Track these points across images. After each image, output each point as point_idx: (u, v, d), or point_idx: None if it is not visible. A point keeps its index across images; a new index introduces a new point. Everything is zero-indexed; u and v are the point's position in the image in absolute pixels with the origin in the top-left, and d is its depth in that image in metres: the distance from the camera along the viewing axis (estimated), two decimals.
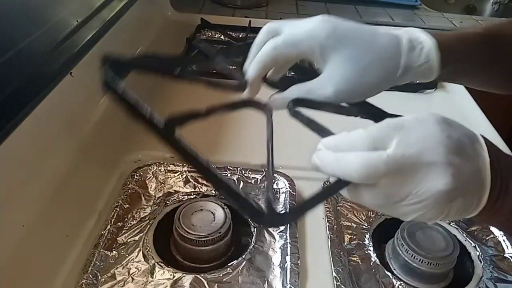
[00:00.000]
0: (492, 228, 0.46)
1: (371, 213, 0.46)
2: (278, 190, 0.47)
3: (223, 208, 0.42)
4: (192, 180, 0.49)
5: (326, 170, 0.27)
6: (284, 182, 0.48)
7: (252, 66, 0.35)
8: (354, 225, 0.45)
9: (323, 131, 0.30)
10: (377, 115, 0.34)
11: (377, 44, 0.33)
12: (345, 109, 0.34)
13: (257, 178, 0.49)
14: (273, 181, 0.48)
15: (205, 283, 0.37)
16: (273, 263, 0.40)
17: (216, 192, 0.48)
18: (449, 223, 0.46)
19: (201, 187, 0.48)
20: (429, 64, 0.33)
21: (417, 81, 0.35)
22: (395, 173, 0.25)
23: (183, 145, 0.25)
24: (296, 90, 0.34)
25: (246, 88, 0.35)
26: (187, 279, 0.37)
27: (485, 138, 0.27)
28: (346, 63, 0.32)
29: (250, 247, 0.41)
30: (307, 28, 0.33)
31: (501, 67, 0.40)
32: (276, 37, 0.34)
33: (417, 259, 0.38)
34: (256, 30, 0.96)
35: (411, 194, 0.25)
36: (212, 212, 0.42)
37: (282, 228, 0.43)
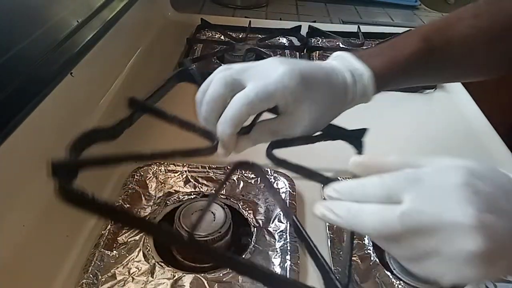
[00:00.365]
0: None
1: None
2: (278, 190, 0.47)
3: (223, 208, 0.42)
4: (192, 180, 0.49)
5: (344, 224, 0.25)
6: (284, 182, 0.48)
7: (224, 125, 0.33)
8: None
9: (314, 175, 0.32)
10: (340, 134, 0.39)
11: (332, 84, 0.36)
12: (315, 138, 0.37)
13: (257, 178, 0.49)
14: (274, 183, 0.48)
15: (205, 282, 0.37)
16: (273, 263, 0.40)
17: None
18: None
19: (201, 187, 0.48)
20: (367, 93, 0.38)
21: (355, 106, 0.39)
22: (414, 230, 0.23)
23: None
24: (263, 132, 0.35)
25: (218, 149, 0.34)
26: (187, 278, 0.38)
27: None
28: (312, 106, 0.34)
29: (250, 246, 0.42)
30: (276, 77, 0.33)
31: (436, 78, 0.45)
32: (246, 91, 0.32)
33: None
34: (256, 30, 0.97)
35: (438, 253, 0.23)
36: (212, 212, 0.42)
37: (282, 227, 0.43)
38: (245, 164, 0.33)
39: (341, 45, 0.86)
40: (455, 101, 0.69)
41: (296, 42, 0.86)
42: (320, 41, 0.88)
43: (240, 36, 0.84)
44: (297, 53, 0.81)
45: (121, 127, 0.34)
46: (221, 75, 0.33)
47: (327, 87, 0.35)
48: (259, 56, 0.78)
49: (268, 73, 0.33)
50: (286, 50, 0.83)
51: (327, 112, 0.36)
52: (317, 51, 0.83)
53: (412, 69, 0.40)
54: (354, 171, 0.29)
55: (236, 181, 0.49)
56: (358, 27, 0.89)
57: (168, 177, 0.49)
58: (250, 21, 0.89)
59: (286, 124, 0.35)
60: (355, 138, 0.39)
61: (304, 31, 0.88)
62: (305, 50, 0.82)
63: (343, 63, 0.38)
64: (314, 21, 0.96)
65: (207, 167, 0.50)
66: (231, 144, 0.34)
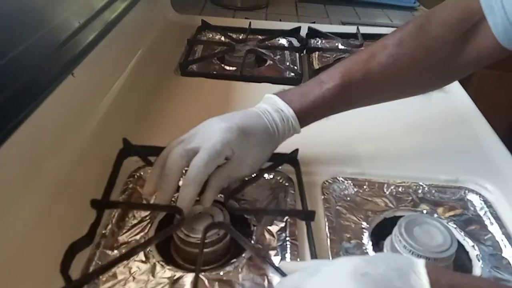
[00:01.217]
0: (490, 228, 0.46)
1: (370, 213, 0.47)
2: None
3: (222, 210, 0.43)
4: None
5: None
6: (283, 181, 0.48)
7: (189, 187, 0.40)
8: (353, 225, 0.45)
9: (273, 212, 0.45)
10: (281, 160, 0.49)
11: (266, 127, 0.44)
12: (262, 172, 0.47)
13: (257, 178, 0.49)
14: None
15: (206, 281, 0.38)
16: (273, 261, 0.40)
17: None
18: (447, 222, 0.47)
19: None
20: (295, 127, 0.46)
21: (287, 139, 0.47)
22: None
23: None
24: (220, 177, 0.42)
25: (182, 207, 0.40)
26: (188, 277, 0.38)
27: (432, 265, 0.27)
28: (253, 148, 0.43)
29: (250, 243, 0.42)
30: (220, 137, 0.41)
31: (359, 105, 0.50)
32: (200, 155, 0.40)
33: (415, 254, 0.39)
34: (256, 31, 0.97)
35: None
36: (210, 215, 0.42)
37: (282, 226, 0.43)
38: (214, 225, 0.40)
39: (340, 46, 0.86)
40: (453, 101, 0.70)
41: (295, 43, 0.87)
42: (319, 42, 0.89)
43: (240, 37, 0.84)
44: (297, 53, 0.81)
45: (93, 232, 0.40)
46: (175, 150, 0.41)
47: (262, 130, 0.44)
48: (259, 57, 0.78)
49: (213, 135, 0.41)
50: (285, 51, 0.83)
51: (266, 149, 0.45)
52: (317, 52, 0.83)
53: (330, 104, 0.47)
54: (283, 271, 0.36)
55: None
56: (357, 28, 0.89)
57: None
58: (250, 22, 0.89)
59: (236, 167, 0.42)
60: (291, 159, 0.49)
61: (303, 32, 0.88)
62: (304, 51, 0.82)
63: (271, 105, 0.46)
64: (314, 22, 0.97)
65: None
66: (192, 202, 0.40)
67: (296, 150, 0.49)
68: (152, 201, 0.44)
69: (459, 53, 0.46)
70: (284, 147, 0.50)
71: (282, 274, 0.36)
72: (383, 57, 0.47)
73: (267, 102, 0.47)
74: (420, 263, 0.26)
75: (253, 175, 0.46)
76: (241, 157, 0.42)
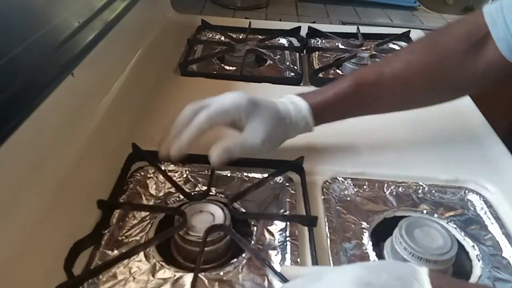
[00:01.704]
0: (490, 228, 0.46)
1: (370, 213, 0.47)
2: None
3: (222, 209, 0.43)
4: (192, 180, 0.49)
5: None
6: (283, 181, 0.48)
7: (188, 130, 0.43)
8: (353, 225, 0.45)
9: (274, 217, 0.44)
10: (286, 166, 0.49)
11: (277, 109, 0.47)
12: (266, 179, 0.47)
13: (258, 179, 0.49)
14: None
15: (206, 281, 0.38)
16: (273, 262, 0.40)
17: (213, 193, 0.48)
18: (447, 223, 0.47)
19: (201, 187, 0.49)
20: (308, 123, 0.48)
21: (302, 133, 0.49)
22: None
23: None
24: (234, 141, 0.44)
25: (173, 148, 0.43)
26: (188, 277, 0.38)
27: (435, 273, 0.27)
28: (264, 121, 0.45)
29: (250, 245, 0.42)
30: (229, 99, 0.44)
31: (371, 109, 0.52)
32: (208, 109, 0.43)
33: (415, 256, 0.39)
34: (256, 31, 0.98)
35: None
36: (211, 214, 0.42)
37: (282, 226, 0.43)
38: (215, 227, 0.40)
39: (340, 46, 0.86)
40: (453, 101, 0.70)
41: (296, 42, 0.87)
42: (319, 41, 0.89)
43: (240, 37, 0.84)
44: (297, 53, 0.81)
45: (98, 231, 0.41)
46: (188, 106, 0.45)
47: (272, 108, 0.46)
48: (259, 57, 0.78)
49: (223, 97, 0.45)
50: (285, 51, 0.83)
51: (277, 129, 0.46)
52: (317, 52, 0.83)
53: (343, 103, 0.49)
54: (285, 275, 0.36)
55: (236, 181, 0.49)
56: (358, 28, 0.89)
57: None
58: (250, 22, 0.89)
59: (247, 136, 0.45)
60: (297, 166, 0.49)
61: (303, 32, 0.88)
62: (304, 50, 0.82)
63: (287, 98, 0.49)
64: (314, 22, 0.97)
65: (207, 167, 0.50)
66: (186, 145, 0.43)
67: (302, 158, 0.49)
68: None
69: (468, 65, 0.48)
70: (286, 148, 0.50)
71: (282, 277, 0.36)
72: (396, 63, 0.49)
73: (284, 97, 0.50)
74: (423, 272, 0.26)
75: (257, 180, 0.47)
76: (251, 125, 0.44)
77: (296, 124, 0.48)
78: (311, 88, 0.71)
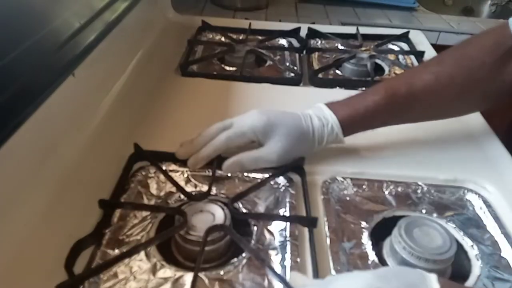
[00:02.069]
0: (489, 228, 0.46)
1: (370, 213, 0.47)
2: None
3: (223, 209, 0.43)
4: (193, 180, 0.49)
5: None
6: (284, 182, 0.49)
7: (206, 148, 0.48)
8: (353, 224, 0.45)
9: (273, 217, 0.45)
10: (286, 168, 0.49)
11: (298, 126, 0.49)
12: (266, 180, 0.48)
13: (257, 179, 0.49)
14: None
15: (206, 281, 0.38)
16: (273, 262, 0.40)
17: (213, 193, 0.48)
18: (446, 222, 0.47)
19: (202, 187, 0.49)
20: (338, 135, 0.49)
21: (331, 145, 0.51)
22: None
23: None
24: (249, 157, 0.47)
25: (190, 160, 0.49)
26: (188, 277, 0.38)
27: (444, 280, 0.27)
28: (281, 138, 0.48)
29: (251, 245, 0.42)
30: (249, 122, 0.48)
31: (402, 119, 0.53)
32: (228, 131, 0.48)
33: (414, 256, 0.39)
34: (256, 32, 0.98)
35: None
36: (212, 213, 0.42)
37: (282, 226, 0.44)
38: (216, 227, 0.40)
39: (339, 47, 0.86)
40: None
41: (295, 43, 0.87)
42: (319, 42, 0.89)
43: (241, 38, 0.84)
44: (297, 54, 0.81)
45: (99, 231, 0.41)
46: (214, 124, 0.49)
47: (293, 125, 0.48)
48: (259, 58, 0.79)
49: (245, 119, 0.49)
50: (285, 52, 0.84)
51: (296, 146, 0.48)
52: (316, 52, 0.83)
53: (373, 114, 0.50)
54: (292, 285, 0.36)
55: (237, 181, 0.50)
56: (357, 28, 0.89)
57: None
58: (250, 22, 0.89)
59: (263, 152, 0.48)
60: (298, 166, 0.49)
61: (303, 32, 0.88)
62: (304, 51, 0.83)
63: (315, 111, 0.50)
64: (313, 23, 0.97)
65: (208, 167, 0.50)
66: (200, 160, 0.48)
67: (302, 159, 0.49)
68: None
69: (496, 76, 0.48)
70: None
71: (281, 278, 0.37)
72: (425, 74, 0.50)
73: (313, 108, 0.51)
74: (433, 278, 0.26)
75: (258, 181, 0.47)
76: (268, 144, 0.48)
77: (321, 137, 0.49)
78: (311, 89, 0.71)
